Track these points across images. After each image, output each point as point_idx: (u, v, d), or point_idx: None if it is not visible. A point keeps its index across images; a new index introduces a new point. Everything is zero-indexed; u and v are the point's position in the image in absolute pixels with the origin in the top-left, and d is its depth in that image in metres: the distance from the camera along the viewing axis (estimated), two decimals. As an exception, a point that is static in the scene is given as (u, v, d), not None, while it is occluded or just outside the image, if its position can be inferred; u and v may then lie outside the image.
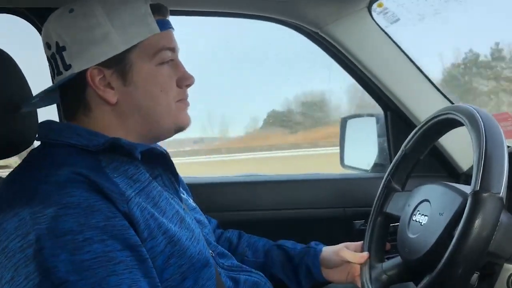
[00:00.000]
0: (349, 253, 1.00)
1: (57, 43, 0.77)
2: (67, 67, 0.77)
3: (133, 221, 0.70)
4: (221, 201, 1.42)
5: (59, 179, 0.67)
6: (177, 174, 0.86)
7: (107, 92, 0.77)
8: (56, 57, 0.78)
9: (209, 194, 1.42)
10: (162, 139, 0.87)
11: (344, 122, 1.77)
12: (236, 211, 1.42)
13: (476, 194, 0.68)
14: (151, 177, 0.79)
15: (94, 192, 0.67)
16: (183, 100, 0.84)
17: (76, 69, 0.76)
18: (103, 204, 0.67)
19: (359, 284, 0.97)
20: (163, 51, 0.80)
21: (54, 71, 0.79)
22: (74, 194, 0.65)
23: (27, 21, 1.23)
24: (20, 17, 1.24)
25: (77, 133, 0.76)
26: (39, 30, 1.22)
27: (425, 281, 0.76)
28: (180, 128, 0.85)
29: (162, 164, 0.83)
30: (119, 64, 0.77)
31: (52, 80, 0.83)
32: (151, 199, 0.76)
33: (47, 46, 0.79)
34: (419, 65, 1.34)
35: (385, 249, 1.02)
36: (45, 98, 0.84)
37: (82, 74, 0.76)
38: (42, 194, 0.65)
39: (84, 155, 0.74)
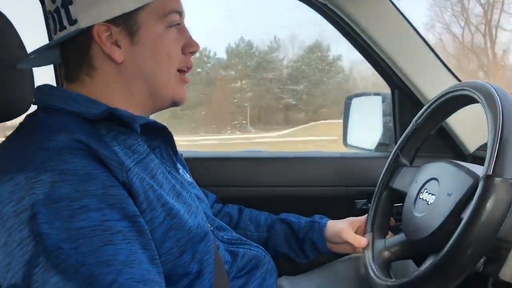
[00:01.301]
0: (350, 236, 1.00)
1: None
2: (73, 22, 0.74)
3: (132, 191, 0.68)
4: (221, 176, 1.41)
5: (57, 145, 0.64)
6: (175, 147, 0.84)
7: (113, 50, 0.75)
8: (60, 11, 0.74)
9: (208, 169, 1.40)
10: (157, 110, 0.84)
11: (348, 100, 1.74)
12: (235, 186, 1.41)
13: (488, 178, 0.66)
14: (149, 149, 0.77)
15: (92, 160, 0.65)
16: (183, 72, 0.82)
17: (82, 24, 0.73)
18: (102, 173, 0.64)
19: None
20: (172, 14, 0.78)
21: (56, 26, 0.76)
22: (72, 160, 0.63)
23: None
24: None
25: (74, 99, 0.74)
26: None
27: (429, 261, 0.75)
28: (175, 102, 0.82)
29: (161, 137, 0.81)
30: (127, 23, 0.75)
31: (50, 37, 0.79)
32: (149, 171, 0.73)
33: None
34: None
35: (389, 225, 1.01)
36: (43, 56, 0.81)
37: (88, 30, 0.74)
38: (38, 159, 0.63)
39: (82, 122, 0.71)
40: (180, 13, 0.80)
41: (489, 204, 0.64)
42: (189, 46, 0.81)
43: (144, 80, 0.77)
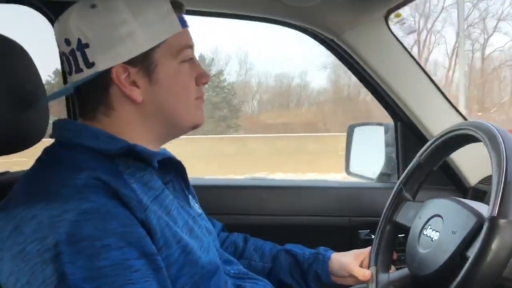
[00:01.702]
0: (355, 269, 1.00)
1: (79, 40, 0.74)
2: (90, 64, 0.74)
3: (150, 229, 0.69)
4: (226, 204, 1.42)
5: (79, 183, 0.65)
6: (188, 181, 0.85)
7: (133, 91, 0.76)
8: (76, 54, 0.75)
9: (214, 196, 1.41)
10: (178, 136, 0.86)
11: (351, 129, 1.77)
12: (241, 215, 1.42)
13: (494, 220, 0.67)
14: (163, 183, 0.78)
15: (112, 198, 0.66)
16: (200, 98, 0.84)
17: (101, 67, 0.74)
18: (121, 211, 0.66)
19: None
20: (185, 49, 0.80)
21: (72, 67, 0.76)
22: (93, 199, 0.64)
23: (40, 13, 1.22)
24: (33, 8, 1.23)
25: (94, 135, 0.74)
26: (52, 22, 1.21)
27: None
28: (196, 126, 0.84)
29: (175, 170, 0.83)
30: (144, 63, 0.76)
31: (65, 77, 0.81)
32: (164, 208, 0.75)
33: (66, 42, 0.76)
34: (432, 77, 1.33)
35: (393, 259, 1.02)
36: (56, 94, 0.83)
37: (106, 72, 0.75)
38: (61, 198, 0.64)
39: (101, 158, 0.72)
40: (192, 46, 0.82)
41: (494, 245, 0.65)
42: (201, 77, 0.83)
43: (163, 115, 0.79)
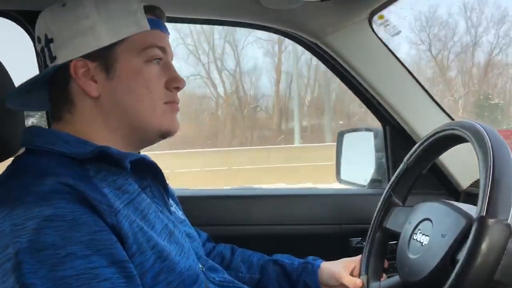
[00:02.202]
0: (346, 278, 0.99)
1: (45, 36, 0.76)
2: (53, 59, 0.75)
3: (121, 234, 0.66)
4: (213, 214, 1.39)
5: (43, 190, 0.63)
6: (166, 185, 0.83)
7: (88, 84, 0.75)
8: (45, 50, 0.76)
9: (200, 207, 1.39)
10: (148, 145, 0.84)
11: (340, 136, 1.75)
12: (228, 225, 1.39)
13: (482, 220, 0.65)
14: (140, 188, 0.76)
15: (80, 203, 0.63)
16: (171, 103, 0.81)
17: (60, 60, 0.74)
18: (89, 217, 0.63)
19: None
20: (152, 48, 0.78)
21: (42, 65, 0.78)
22: (58, 206, 0.62)
23: (17, 24, 1.20)
24: (10, 19, 1.20)
25: (64, 140, 0.73)
26: (29, 33, 1.19)
27: None
28: (165, 133, 0.81)
29: (151, 175, 0.80)
30: (103, 57, 0.75)
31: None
32: (139, 212, 0.72)
33: (38, 40, 0.78)
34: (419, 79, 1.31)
35: (384, 267, 0.99)
36: (34, 98, 0.81)
37: (66, 66, 0.74)
38: (24, 205, 0.61)
39: (71, 163, 0.70)
40: (163, 48, 0.80)
41: (484, 246, 0.63)
42: (172, 82, 0.80)
43: (123, 113, 0.77)
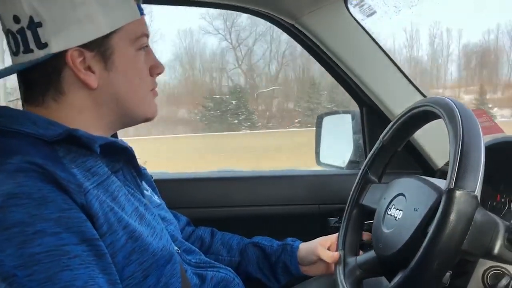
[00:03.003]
0: (323, 252, 1.00)
1: (31, 18, 0.69)
2: (42, 45, 0.70)
3: (91, 213, 0.65)
4: (192, 197, 1.39)
5: (9, 168, 0.62)
6: (139, 169, 0.82)
7: (88, 76, 0.73)
8: (25, 32, 0.71)
9: (178, 190, 1.38)
10: (124, 127, 0.84)
11: (320, 119, 1.75)
12: (207, 207, 1.39)
13: (450, 192, 0.66)
14: (111, 171, 0.75)
15: (48, 182, 0.62)
16: (154, 90, 0.82)
17: (54, 48, 0.70)
18: (58, 195, 0.62)
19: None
20: (142, 37, 0.77)
21: (19, 47, 0.72)
22: (25, 184, 0.60)
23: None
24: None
25: (33, 121, 0.71)
26: None
27: (398, 277, 0.75)
28: (150, 118, 0.82)
29: (123, 158, 0.79)
30: (101, 47, 0.73)
31: (11, 57, 0.76)
32: (110, 193, 0.71)
33: (14, 19, 0.71)
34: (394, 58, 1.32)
35: (364, 240, 1.01)
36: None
37: (60, 54, 0.71)
38: None
39: (40, 144, 0.69)
40: (148, 35, 0.79)
41: (452, 217, 0.65)
42: (155, 68, 0.81)
43: (117, 103, 0.76)
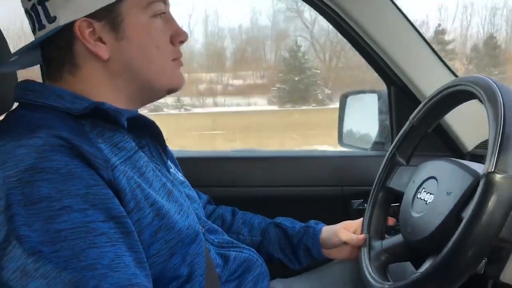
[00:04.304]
0: (347, 235, 0.98)
1: None
2: (51, 19, 0.69)
3: (118, 190, 0.64)
4: (214, 176, 1.38)
5: (37, 142, 0.61)
6: (165, 145, 0.81)
7: (98, 47, 0.71)
8: (37, 8, 0.70)
9: (200, 169, 1.37)
10: (153, 101, 0.82)
11: (344, 98, 1.71)
12: (229, 187, 1.38)
13: (490, 175, 0.63)
14: (138, 147, 0.74)
15: (75, 157, 0.61)
16: (177, 60, 0.79)
17: (62, 21, 0.69)
18: (85, 171, 0.61)
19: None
20: (156, 2, 0.74)
21: (35, 25, 0.72)
22: (53, 158, 0.59)
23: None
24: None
25: (58, 94, 0.70)
26: None
27: (428, 264, 0.73)
28: (174, 89, 0.79)
29: (150, 133, 0.78)
30: (110, 16, 0.70)
31: (34, 36, 0.75)
32: (137, 169, 0.70)
33: None
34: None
35: (388, 225, 0.99)
36: (26, 57, 0.77)
37: (69, 27, 0.69)
38: (17, 157, 0.59)
39: (66, 118, 0.68)
40: (165, 1, 0.76)
41: (490, 203, 0.61)
42: (177, 36, 0.77)
43: (133, 74, 0.74)
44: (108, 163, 0.65)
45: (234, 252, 0.88)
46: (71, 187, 0.59)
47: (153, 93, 0.79)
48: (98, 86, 0.73)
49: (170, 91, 0.79)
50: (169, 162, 0.84)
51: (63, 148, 0.61)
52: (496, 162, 0.63)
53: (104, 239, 0.58)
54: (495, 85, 0.71)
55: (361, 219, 1.01)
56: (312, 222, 1.06)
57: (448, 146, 1.35)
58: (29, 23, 0.74)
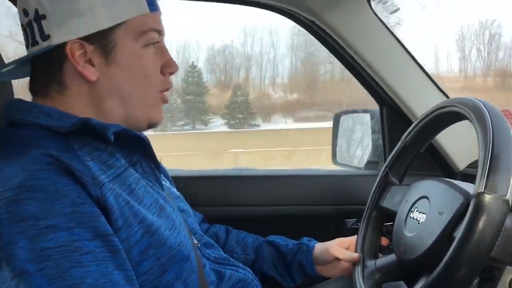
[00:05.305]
0: (340, 251, 0.99)
1: (36, 10, 0.71)
2: (45, 37, 0.71)
3: (106, 207, 0.64)
4: (208, 195, 1.38)
5: (25, 160, 0.61)
6: (157, 160, 0.81)
7: (87, 68, 0.72)
8: (33, 25, 0.72)
9: (195, 188, 1.37)
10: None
11: (337, 118, 1.72)
12: (223, 206, 1.38)
13: (480, 195, 0.64)
14: (128, 164, 0.74)
15: (64, 175, 0.62)
16: (163, 94, 0.79)
17: (55, 40, 0.70)
18: (72, 189, 0.61)
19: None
20: (150, 32, 0.75)
21: (29, 40, 0.73)
22: (41, 176, 0.60)
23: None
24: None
25: (46, 113, 0.71)
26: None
27: (421, 283, 0.73)
28: (152, 124, 0.79)
29: (141, 150, 0.78)
30: (102, 41, 0.72)
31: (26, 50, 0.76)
32: (127, 186, 0.70)
33: (24, 12, 0.73)
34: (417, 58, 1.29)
35: (382, 245, 1.00)
36: (18, 70, 0.78)
37: (61, 47, 0.71)
38: (5, 175, 0.60)
39: (54, 136, 0.68)
40: (159, 31, 0.77)
41: (481, 223, 0.62)
42: (168, 67, 0.78)
43: (119, 99, 0.75)
44: (96, 180, 0.65)
45: (230, 271, 0.88)
46: (57, 206, 0.59)
47: (135, 123, 0.78)
48: (84, 107, 0.74)
49: (150, 125, 0.79)
50: (162, 177, 0.84)
51: (52, 166, 0.61)
52: (485, 182, 0.64)
53: (89, 258, 0.58)
54: (483, 107, 0.73)
55: (354, 236, 1.01)
56: (305, 239, 1.06)
57: (440, 166, 1.36)
58: (24, 38, 0.75)
